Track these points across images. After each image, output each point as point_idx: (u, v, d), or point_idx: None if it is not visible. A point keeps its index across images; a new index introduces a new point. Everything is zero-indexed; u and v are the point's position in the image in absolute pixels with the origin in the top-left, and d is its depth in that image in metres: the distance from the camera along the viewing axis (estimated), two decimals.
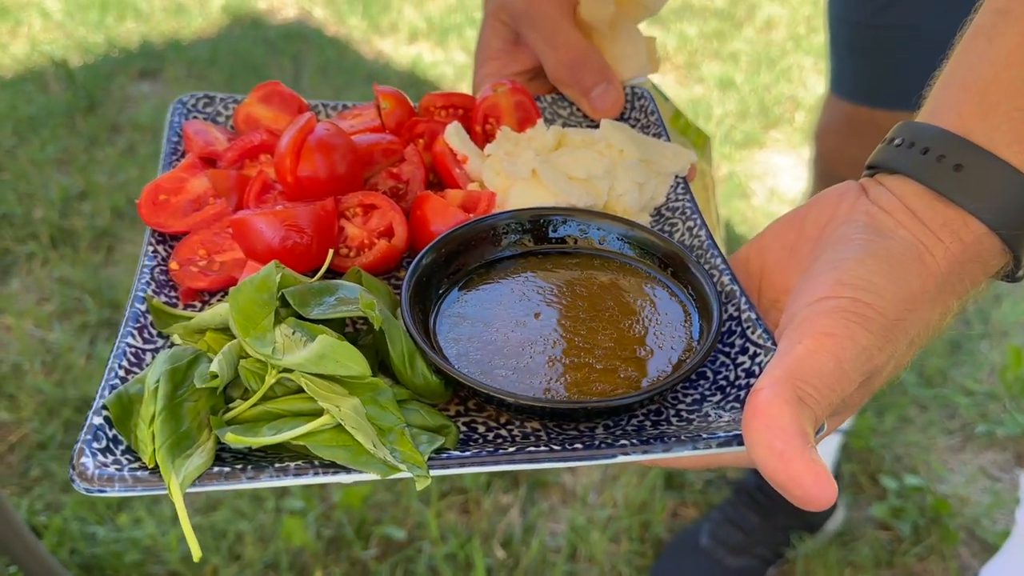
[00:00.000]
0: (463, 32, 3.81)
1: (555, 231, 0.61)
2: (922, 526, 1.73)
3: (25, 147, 2.95)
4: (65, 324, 2.21)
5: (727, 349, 0.55)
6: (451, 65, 3.55)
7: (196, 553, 0.42)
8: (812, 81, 3.42)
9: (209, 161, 0.67)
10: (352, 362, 0.45)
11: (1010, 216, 0.50)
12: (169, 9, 4.15)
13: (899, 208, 0.52)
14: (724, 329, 0.56)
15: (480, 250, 0.59)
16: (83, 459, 0.44)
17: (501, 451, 0.46)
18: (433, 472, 0.45)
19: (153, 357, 0.50)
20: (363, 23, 3.92)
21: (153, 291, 0.57)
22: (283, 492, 1.77)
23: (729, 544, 1.62)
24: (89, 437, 0.46)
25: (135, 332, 0.53)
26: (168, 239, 0.62)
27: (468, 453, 0.46)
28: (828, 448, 1.75)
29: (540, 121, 0.73)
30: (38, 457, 1.85)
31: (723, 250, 0.62)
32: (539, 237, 0.61)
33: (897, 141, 0.54)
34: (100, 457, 0.45)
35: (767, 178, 2.86)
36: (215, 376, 0.45)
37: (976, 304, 2.16)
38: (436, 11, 4.02)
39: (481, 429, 0.50)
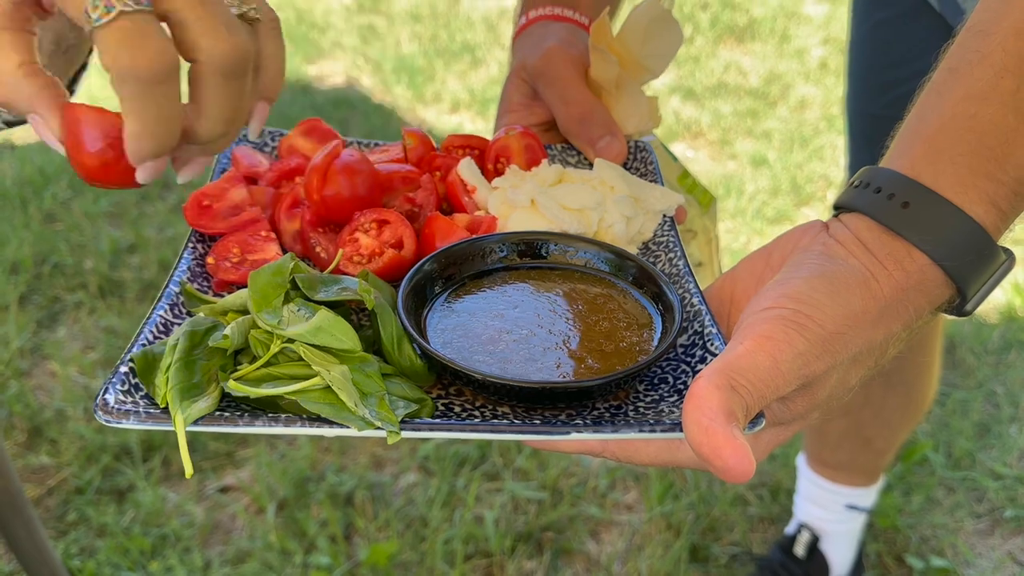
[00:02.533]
0: None
1: (541, 250, 0.69)
2: None
3: (80, 200, 3.10)
4: (108, 372, 2.29)
5: (688, 359, 0.61)
6: (490, 134, 3.67)
7: (188, 470, 0.49)
8: (844, 160, 3.48)
9: (252, 179, 0.75)
10: (345, 336, 0.52)
11: (951, 249, 0.56)
12: None
13: (852, 240, 0.58)
14: (688, 342, 0.62)
15: (474, 262, 0.67)
16: (106, 395, 0.51)
17: (467, 422, 0.52)
18: (405, 433, 0.51)
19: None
20: (408, 92, 4.09)
21: (188, 279, 0.65)
22: (311, 547, 1.80)
23: None
24: (114, 380, 0.53)
25: (167, 307, 0.61)
26: (207, 239, 0.71)
27: (438, 421, 0.53)
28: (853, 527, 1.74)
29: (545, 161, 0.80)
30: (75, 502, 1.91)
31: None
32: (526, 254, 0.69)
33: (856, 183, 0.60)
34: (121, 396, 0.52)
35: None
36: (227, 338, 0.51)
37: (1005, 388, 2.15)
38: (478, 83, 4.18)
39: (457, 409, 0.56)
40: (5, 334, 2.40)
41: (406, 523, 1.86)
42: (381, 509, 1.90)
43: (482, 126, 3.77)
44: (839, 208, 0.62)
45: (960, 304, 0.59)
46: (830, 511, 1.72)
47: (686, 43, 4.68)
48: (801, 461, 1.76)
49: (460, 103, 3.98)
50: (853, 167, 1.42)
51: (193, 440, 1.98)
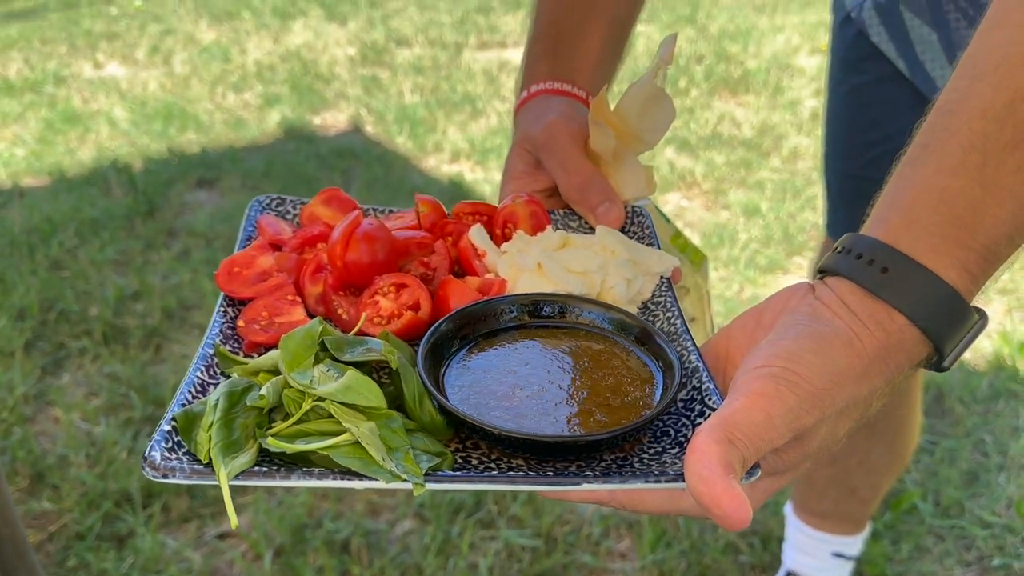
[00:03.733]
0: (502, 153, 4.04)
1: (549, 310, 0.74)
2: None
3: (86, 248, 3.14)
4: (111, 419, 2.32)
5: (688, 412, 0.66)
6: (490, 184, 3.75)
7: (234, 522, 0.53)
8: (823, 219, 3.55)
9: (276, 246, 0.81)
10: (372, 395, 0.57)
11: (928, 310, 0.61)
12: (229, 122, 4.45)
13: (836, 302, 0.63)
14: (687, 397, 0.67)
15: (487, 322, 0.73)
16: (152, 453, 0.56)
17: (486, 474, 0.57)
18: (428, 485, 0.56)
19: (215, 389, 0.62)
20: (410, 142, 4.18)
21: (220, 341, 0.70)
22: None
23: None
24: (159, 438, 0.57)
25: (203, 368, 0.66)
26: (236, 303, 0.76)
27: (459, 473, 0.58)
28: (839, 575, 1.78)
29: (549, 227, 0.86)
30: (76, 548, 1.93)
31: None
32: (535, 314, 0.74)
33: (839, 249, 0.66)
34: (166, 453, 0.56)
35: None
36: (263, 398, 0.56)
37: (994, 436, 2.19)
38: (478, 133, 4.27)
39: (474, 462, 0.61)
40: (10, 380, 2.44)
41: (401, 571, 1.89)
42: (376, 557, 1.92)
43: (481, 176, 3.85)
44: (824, 272, 0.67)
45: (938, 361, 0.64)
46: (817, 559, 1.75)
47: (681, 94, 4.79)
48: (789, 510, 1.80)
49: (460, 153, 4.06)
50: (831, 225, 1.48)
51: (194, 486, 2.01)
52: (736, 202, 3.59)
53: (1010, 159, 0.60)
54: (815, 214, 3.52)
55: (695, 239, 3.33)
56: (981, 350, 2.60)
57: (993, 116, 0.61)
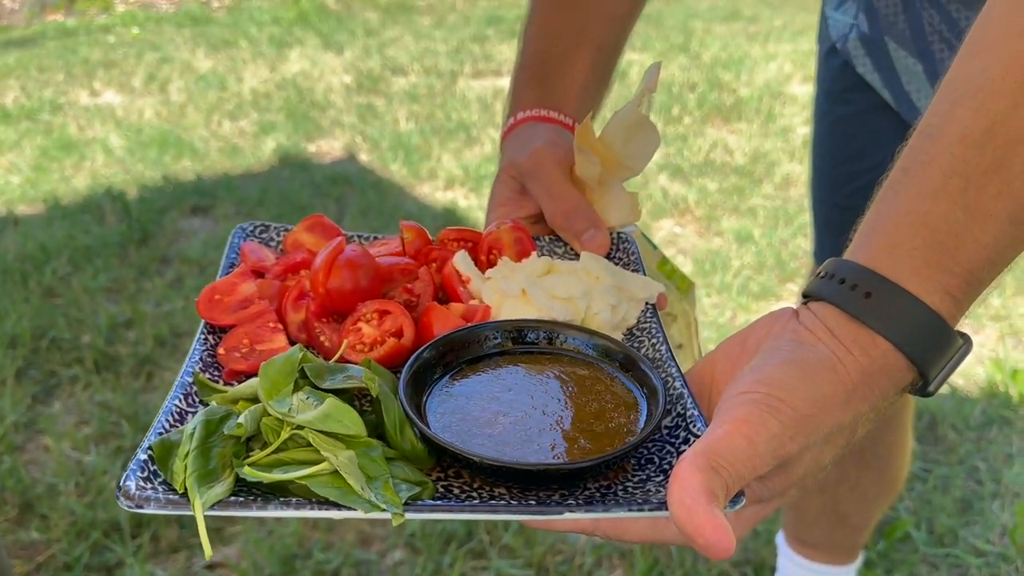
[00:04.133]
0: None
1: (533, 336, 0.73)
2: None
3: (79, 275, 3.14)
4: (101, 447, 2.30)
5: (672, 440, 0.65)
6: (483, 210, 3.74)
7: (207, 552, 0.53)
8: (811, 246, 3.56)
9: (259, 273, 0.81)
10: (351, 422, 0.56)
11: (911, 335, 0.61)
12: (224, 150, 4.47)
13: (820, 327, 0.63)
14: (672, 424, 0.66)
15: (471, 348, 0.72)
16: (128, 483, 0.55)
17: (467, 503, 0.56)
18: (408, 515, 0.55)
19: (193, 417, 0.61)
20: (404, 169, 4.19)
21: (200, 369, 0.69)
22: None
23: None
24: (135, 467, 0.57)
25: (181, 396, 0.65)
26: (217, 331, 0.75)
27: (439, 503, 0.57)
28: None
29: (534, 253, 0.86)
30: None
31: None
32: (519, 340, 0.74)
33: (822, 274, 0.66)
34: (141, 483, 0.56)
35: None
36: (241, 426, 0.56)
37: (987, 464, 2.18)
38: (472, 160, 4.29)
39: (456, 490, 0.60)
40: (1, 408, 2.43)
41: None
42: None
43: (475, 202, 3.86)
44: (807, 296, 0.67)
45: (923, 386, 0.64)
46: None
47: (674, 122, 4.82)
48: (780, 539, 1.79)
49: (455, 180, 4.08)
50: (818, 253, 1.49)
51: (181, 516, 1.99)
52: (729, 229, 3.60)
53: (991, 184, 0.60)
54: (808, 241, 3.53)
55: (688, 266, 3.34)
56: (974, 376, 2.59)
57: (973, 141, 0.61)
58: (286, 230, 0.90)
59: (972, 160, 0.61)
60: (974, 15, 0.66)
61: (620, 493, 0.61)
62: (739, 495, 0.57)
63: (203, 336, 0.74)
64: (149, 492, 0.55)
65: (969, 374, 2.60)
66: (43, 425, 2.37)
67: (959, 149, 0.61)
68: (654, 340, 0.77)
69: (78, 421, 2.42)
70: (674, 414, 0.67)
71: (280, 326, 0.74)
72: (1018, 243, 0.63)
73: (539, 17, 1.04)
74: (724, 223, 3.66)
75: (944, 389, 2.61)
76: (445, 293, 0.83)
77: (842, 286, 0.63)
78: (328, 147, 4.56)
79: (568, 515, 0.56)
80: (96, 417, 2.40)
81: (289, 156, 4.38)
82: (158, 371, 2.63)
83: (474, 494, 0.59)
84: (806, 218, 3.69)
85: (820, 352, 0.61)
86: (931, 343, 0.61)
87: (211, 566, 1.96)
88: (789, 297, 3.13)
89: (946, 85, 0.65)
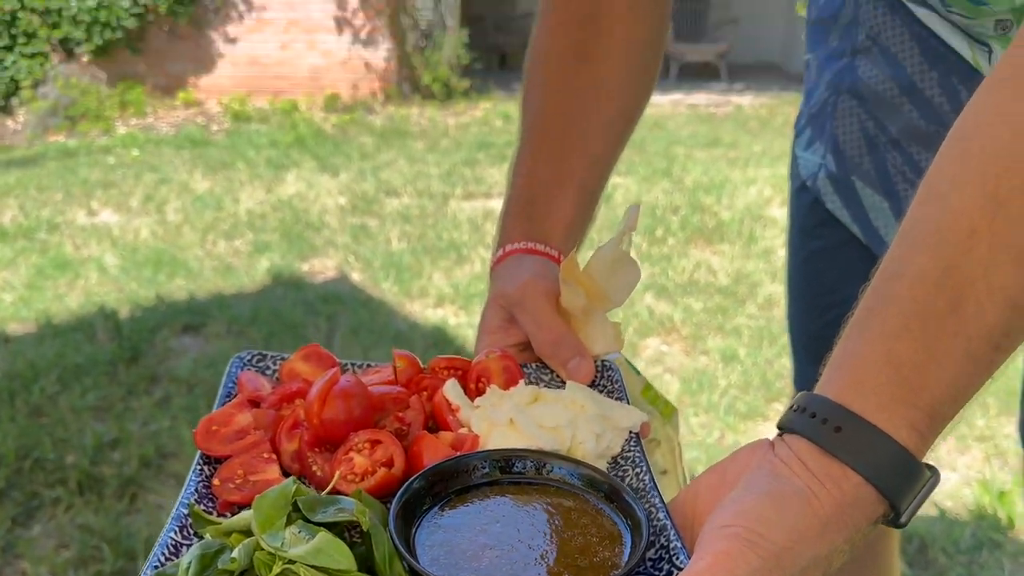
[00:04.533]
0: (485, 298, 4.10)
1: (520, 466, 0.76)
2: None
3: (67, 394, 3.14)
4: (80, 572, 2.25)
5: (656, 572, 0.67)
6: (473, 328, 3.81)
7: None
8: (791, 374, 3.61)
9: (254, 402, 0.83)
10: (342, 557, 0.58)
11: (880, 469, 0.64)
12: (218, 269, 4.53)
13: (794, 460, 0.66)
14: (655, 556, 0.68)
15: (459, 478, 0.74)
16: None
17: None
18: None
19: (188, 550, 0.63)
20: (395, 288, 4.26)
21: (195, 500, 0.71)
22: None
23: None
24: None
25: (177, 529, 0.66)
26: (213, 461, 0.77)
27: None
28: None
29: (522, 382, 0.90)
30: None
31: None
32: (507, 470, 0.76)
33: (795, 407, 0.69)
34: None
35: None
36: (235, 561, 0.57)
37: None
38: (463, 278, 4.37)
39: None
40: None
41: None
42: None
43: (465, 320, 3.91)
44: (782, 429, 0.70)
45: (895, 518, 0.66)
46: None
47: (659, 243, 4.94)
48: None
49: (445, 298, 4.14)
50: (798, 379, 1.52)
51: None
52: (714, 348, 3.65)
53: (947, 324, 0.65)
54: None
55: (675, 384, 3.36)
56: (962, 498, 2.59)
57: (931, 284, 0.65)
58: (283, 359, 0.93)
59: (929, 302, 0.65)
60: (933, 156, 0.72)
61: None
62: None
63: (199, 467, 0.75)
64: None
65: (957, 496, 2.59)
66: (21, 549, 2.33)
67: (918, 292, 0.66)
68: (638, 469, 0.79)
69: (58, 544, 2.37)
70: (657, 546, 0.69)
71: (274, 456, 0.76)
72: (976, 380, 0.66)
73: (526, 158, 1.11)
74: (710, 342, 3.72)
75: (933, 512, 2.60)
76: (435, 421, 0.86)
77: (813, 420, 0.66)
78: (321, 266, 4.64)
79: None
80: (77, 540, 2.36)
81: (282, 275, 4.45)
82: (142, 493, 2.60)
83: None
84: None
85: (796, 485, 0.64)
86: (900, 476, 0.64)
87: None
88: (776, 417, 3.14)
89: (904, 228, 0.70)
